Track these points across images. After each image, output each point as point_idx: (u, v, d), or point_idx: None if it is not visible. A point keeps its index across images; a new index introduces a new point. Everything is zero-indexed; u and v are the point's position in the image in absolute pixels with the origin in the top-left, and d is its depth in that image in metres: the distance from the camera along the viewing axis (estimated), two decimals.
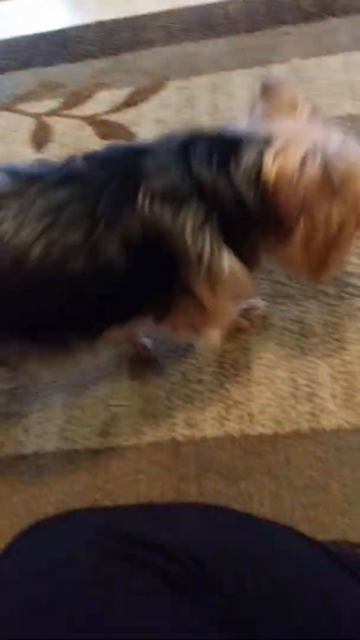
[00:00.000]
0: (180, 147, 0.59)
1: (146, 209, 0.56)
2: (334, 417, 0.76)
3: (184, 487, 0.74)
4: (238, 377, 0.82)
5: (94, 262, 0.57)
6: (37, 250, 0.55)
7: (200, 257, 0.59)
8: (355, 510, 0.70)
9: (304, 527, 0.69)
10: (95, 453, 0.78)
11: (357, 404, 0.76)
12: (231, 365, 0.83)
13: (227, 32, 1.29)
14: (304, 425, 0.76)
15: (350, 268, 0.87)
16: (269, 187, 0.57)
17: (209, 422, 0.78)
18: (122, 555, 0.49)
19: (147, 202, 0.56)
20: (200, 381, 0.82)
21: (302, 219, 0.58)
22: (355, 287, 0.85)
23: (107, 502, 0.74)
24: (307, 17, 1.28)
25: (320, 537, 0.68)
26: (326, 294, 0.86)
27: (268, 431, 0.76)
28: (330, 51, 1.19)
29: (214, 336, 0.71)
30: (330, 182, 0.56)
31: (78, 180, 0.58)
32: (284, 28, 1.26)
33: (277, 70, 1.17)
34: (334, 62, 1.16)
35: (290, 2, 1.32)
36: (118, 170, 0.59)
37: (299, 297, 0.87)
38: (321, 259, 0.62)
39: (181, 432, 0.78)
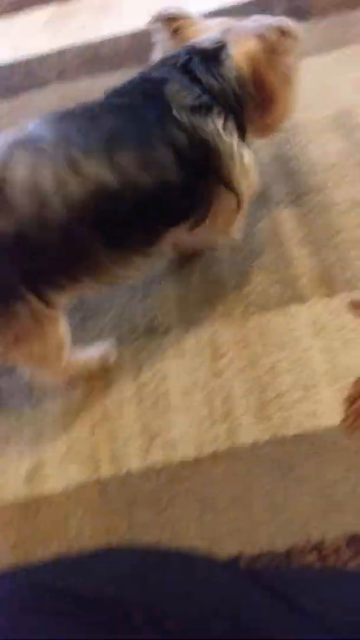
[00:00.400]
0: (184, 69, 0.72)
1: (186, 122, 0.68)
2: (250, 432, 0.79)
3: (114, 524, 0.76)
4: (157, 406, 0.84)
5: (158, 175, 0.67)
6: (115, 172, 0.64)
7: (231, 154, 0.72)
8: (279, 518, 0.73)
9: (230, 544, 0.72)
10: (24, 505, 0.79)
11: (269, 416, 0.80)
12: (150, 396, 0.85)
13: (118, 66, 1.32)
14: (222, 445, 0.79)
15: (249, 288, 0.91)
16: (245, 72, 0.73)
17: (132, 456, 0.80)
18: (46, 609, 0.50)
19: (184, 116, 0.68)
20: (121, 415, 0.84)
21: (271, 81, 0.75)
22: (256, 305, 0.89)
23: (39, 553, 0.74)
24: None
25: (248, 550, 0.72)
26: (231, 315, 0.89)
27: (189, 456, 0.79)
28: None
29: (236, 231, 0.85)
30: (274, 48, 0.74)
31: (119, 109, 0.69)
32: None
33: None
34: None
35: None
36: (148, 98, 0.70)
37: (208, 319, 0.90)
38: (287, 107, 0.80)
39: (107, 469, 0.80)
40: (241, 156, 0.74)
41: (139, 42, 1.35)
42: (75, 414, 0.85)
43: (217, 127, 0.71)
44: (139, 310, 0.93)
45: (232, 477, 0.77)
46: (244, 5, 1.35)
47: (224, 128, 0.71)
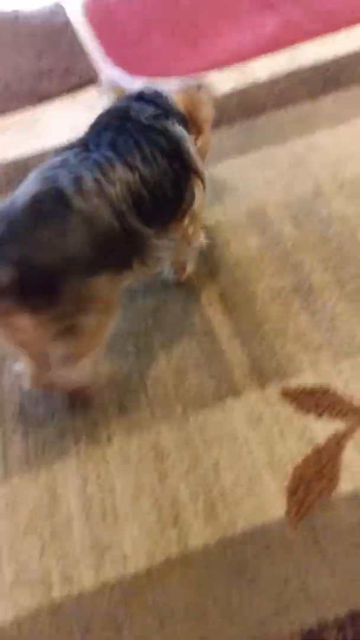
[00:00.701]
0: (139, 99, 0.94)
1: (157, 126, 0.89)
2: (200, 534, 0.80)
3: None
4: (106, 518, 0.84)
5: (157, 168, 0.86)
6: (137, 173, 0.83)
7: (189, 142, 0.94)
8: (236, 621, 0.73)
9: None
10: None
11: (216, 516, 0.81)
12: (98, 508, 0.85)
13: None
14: (174, 551, 0.79)
15: (187, 386, 0.94)
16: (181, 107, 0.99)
17: (84, 574, 0.79)
18: None
19: (153, 122, 0.89)
20: (71, 532, 0.83)
21: (196, 117, 1.02)
22: (195, 402, 0.93)
23: None
24: None
25: None
26: (171, 415, 0.92)
27: (142, 567, 0.79)
28: None
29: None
30: (194, 96, 1.04)
31: (104, 128, 0.89)
32: None
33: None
34: None
35: None
36: (121, 118, 0.90)
37: (150, 422, 0.92)
38: (207, 139, 1.06)
39: (59, 591, 0.78)
40: (193, 145, 0.96)
41: None
42: (23, 536, 0.84)
43: (176, 125, 0.92)
44: (81, 420, 0.94)
45: (186, 584, 0.76)
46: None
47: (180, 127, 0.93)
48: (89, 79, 1.73)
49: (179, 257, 1.05)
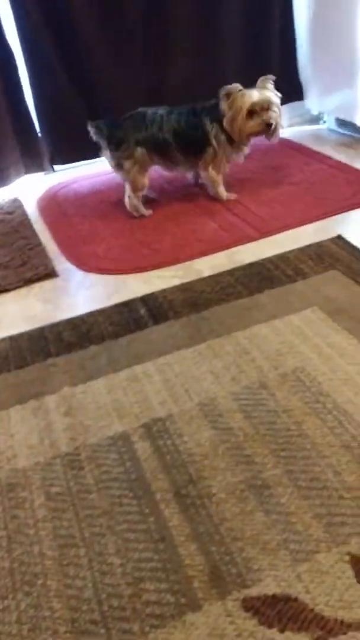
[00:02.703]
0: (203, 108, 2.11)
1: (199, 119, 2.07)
2: None
3: None
4: None
5: (193, 129, 2.07)
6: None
7: (209, 130, 2.06)
8: None
9: None
10: None
11: None
12: None
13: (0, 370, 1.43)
14: None
15: (144, 598, 0.89)
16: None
17: None
18: None
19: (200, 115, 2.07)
20: None
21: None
22: (153, 619, 0.87)
23: None
24: (69, 347, 1.48)
25: None
26: (129, 630, 0.86)
27: None
28: (93, 376, 1.37)
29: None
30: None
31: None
32: (51, 360, 1.44)
33: (50, 401, 1.30)
34: (97, 386, 1.34)
35: (53, 335, 1.54)
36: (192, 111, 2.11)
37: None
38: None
39: None
40: (215, 134, 2.06)
41: (16, 347, 1.49)
42: None
43: (207, 122, 2.05)
44: None
45: None
46: None
47: (211, 124, 2.04)
48: (45, 273, 1.86)
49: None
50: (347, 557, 0.92)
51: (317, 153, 2.52)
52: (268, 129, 2.01)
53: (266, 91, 1.99)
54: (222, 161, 2.11)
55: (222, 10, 2.48)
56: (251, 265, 1.76)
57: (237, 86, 1.97)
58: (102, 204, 2.33)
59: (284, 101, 2.71)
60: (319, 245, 1.81)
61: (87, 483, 1.10)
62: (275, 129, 2.02)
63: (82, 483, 1.10)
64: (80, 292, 1.75)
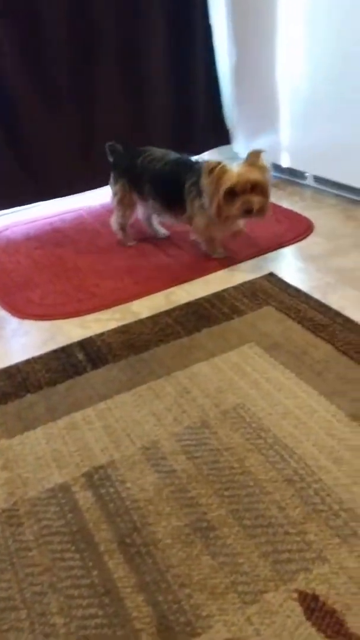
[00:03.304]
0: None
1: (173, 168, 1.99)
2: None
3: None
4: None
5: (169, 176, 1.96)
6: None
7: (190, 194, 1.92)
8: None
9: None
10: None
11: None
12: None
13: None
14: None
15: None
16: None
17: None
18: None
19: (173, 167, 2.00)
20: None
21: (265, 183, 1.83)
22: None
23: None
24: (4, 397, 1.44)
25: None
26: None
27: None
28: (30, 426, 1.32)
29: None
30: (263, 167, 1.82)
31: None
32: None
33: None
34: (35, 436, 1.29)
35: None
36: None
37: None
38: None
39: None
40: (192, 200, 1.92)
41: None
42: None
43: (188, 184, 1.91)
44: None
45: None
46: None
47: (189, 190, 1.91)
48: None
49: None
50: (294, 595, 0.91)
51: None
52: (247, 215, 1.80)
53: (252, 169, 1.75)
54: (204, 228, 1.95)
55: (151, 66, 2.59)
56: (188, 304, 1.78)
57: (218, 161, 1.77)
58: (36, 250, 2.31)
59: (212, 145, 2.86)
60: (252, 282, 1.86)
61: (27, 539, 1.05)
62: (261, 211, 1.80)
63: (21, 540, 1.05)
64: (15, 340, 1.71)
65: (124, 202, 2.13)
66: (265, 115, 2.59)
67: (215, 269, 1.98)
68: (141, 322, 1.72)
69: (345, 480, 1.10)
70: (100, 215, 2.56)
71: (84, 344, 1.63)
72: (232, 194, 1.75)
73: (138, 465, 1.18)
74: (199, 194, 1.85)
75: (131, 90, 2.58)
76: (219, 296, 1.81)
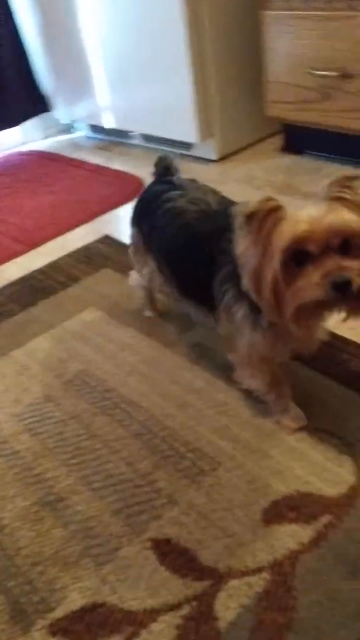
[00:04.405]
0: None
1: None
2: None
3: None
4: None
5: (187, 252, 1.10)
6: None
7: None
8: None
9: None
10: None
11: None
12: None
13: None
14: None
15: None
16: None
17: None
18: None
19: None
20: None
21: None
22: None
23: None
24: None
25: None
26: None
27: None
28: None
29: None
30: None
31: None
32: None
33: None
34: None
35: None
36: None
37: None
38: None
39: None
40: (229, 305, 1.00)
41: None
42: None
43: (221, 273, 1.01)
44: None
45: None
46: None
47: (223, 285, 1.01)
48: None
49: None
50: (148, 544, 0.91)
51: (74, 160, 2.54)
52: (340, 295, 0.79)
53: (339, 208, 0.82)
54: (250, 350, 1.00)
55: None
56: (22, 279, 1.69)
57: (267, 198, 0.82)
58: None
59: (31, 114, 2.71)
60: (87, 247, 1.81)
61: None
62: None
63: None
64: None
65: (137, 257, 1.34)
66: (82, 78, 2.50)
67: (46, 239, 1.90)
68: None
69: (190, 422, 1.12)
70: None
71: None
72: (300, 257, 0.81)
73: None
74: (240, 293, 0.93)
75: None
76: (53, 266, 1.74)
